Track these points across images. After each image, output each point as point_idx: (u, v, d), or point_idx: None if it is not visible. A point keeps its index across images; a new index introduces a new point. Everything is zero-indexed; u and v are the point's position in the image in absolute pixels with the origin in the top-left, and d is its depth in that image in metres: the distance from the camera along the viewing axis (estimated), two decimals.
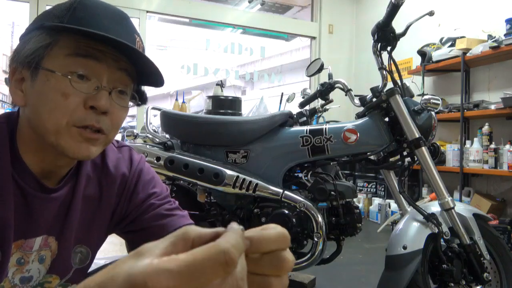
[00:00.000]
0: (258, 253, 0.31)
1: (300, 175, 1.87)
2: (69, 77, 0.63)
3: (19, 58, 0.65)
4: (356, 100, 1.83)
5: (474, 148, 3.27)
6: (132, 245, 0.84)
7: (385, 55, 1.73)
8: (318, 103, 2.15)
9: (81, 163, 0.77)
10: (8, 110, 0.87)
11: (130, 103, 0.75)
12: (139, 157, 0.87)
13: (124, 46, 0.64)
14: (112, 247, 2.82)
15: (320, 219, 1.70)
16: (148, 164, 0.88)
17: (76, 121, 0.64)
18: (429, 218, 1.54)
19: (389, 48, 1.72)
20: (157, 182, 0.86)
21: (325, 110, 2.17)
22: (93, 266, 0.81)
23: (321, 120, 3.18)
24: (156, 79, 0.74)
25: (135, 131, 2.16)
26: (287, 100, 2.75)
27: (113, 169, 0.81)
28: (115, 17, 0.68)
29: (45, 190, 0.70)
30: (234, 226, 0.30)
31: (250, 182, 1.78)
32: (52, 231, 0.72)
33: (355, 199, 2.11)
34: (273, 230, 0.32)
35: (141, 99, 0.79)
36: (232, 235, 0.28)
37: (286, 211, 1.73)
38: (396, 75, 1.74)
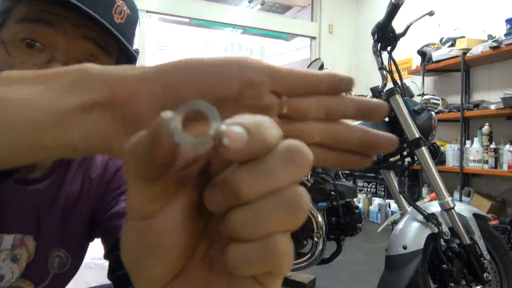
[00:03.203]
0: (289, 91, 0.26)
1: None
2: (5, 45, 0.52)
3: None
4: None
5: (474, 148, 3.27)
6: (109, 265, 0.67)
7: (385, 55, 1.73)
8: None
9: None
10: None
11: None
12: None
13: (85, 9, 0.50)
14: None
15: (320, 219, 1.70)
16: None
17: None
18: (429, 218, 1.54)
19: (389, 48, 1.72)
20: None
21: None
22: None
23: None
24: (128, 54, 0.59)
25: None
26: None
27: (99, 163, 0.69)
28: None
29: (20, 181, 0.60)
30: None
31: None
32: (29, 229, 0.63)
33: (355, 199, 2.11)
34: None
35: None
36: None
37: None
38: (396, 75, 1.74)
